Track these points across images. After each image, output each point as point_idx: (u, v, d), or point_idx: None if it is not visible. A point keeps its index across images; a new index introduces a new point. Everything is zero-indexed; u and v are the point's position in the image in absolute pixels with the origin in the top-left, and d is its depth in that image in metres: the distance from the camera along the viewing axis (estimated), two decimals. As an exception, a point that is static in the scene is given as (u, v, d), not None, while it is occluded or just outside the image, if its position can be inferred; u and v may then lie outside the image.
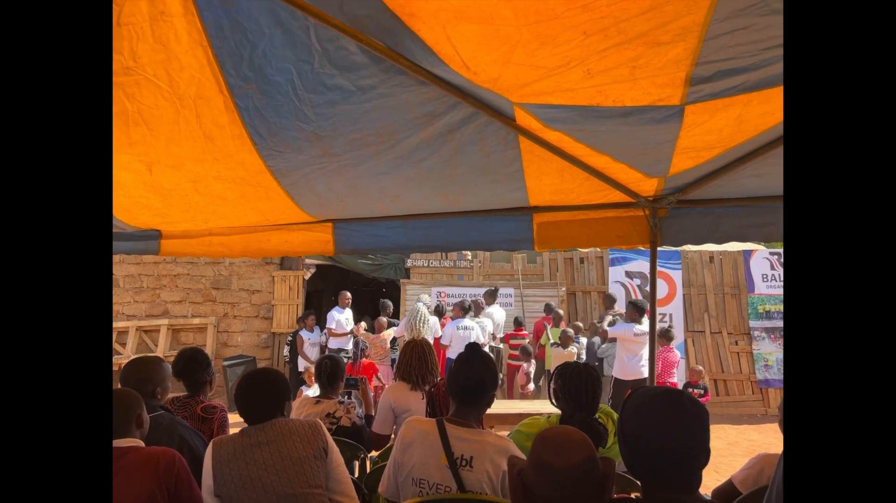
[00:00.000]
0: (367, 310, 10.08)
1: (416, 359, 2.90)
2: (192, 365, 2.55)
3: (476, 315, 7.21)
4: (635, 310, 6.12)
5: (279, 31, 1.61)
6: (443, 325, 7.11)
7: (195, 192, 2.58)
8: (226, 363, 8.19)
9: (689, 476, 1.16)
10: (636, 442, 1.20)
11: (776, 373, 8.38)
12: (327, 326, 7.49)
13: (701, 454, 1.15)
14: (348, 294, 7.84)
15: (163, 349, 8.67)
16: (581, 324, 7.58)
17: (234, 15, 1.57)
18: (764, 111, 1.84)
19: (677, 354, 6.50)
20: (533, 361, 6.98)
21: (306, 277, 9.18)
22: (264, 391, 1.86)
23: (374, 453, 2.84)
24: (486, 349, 6.81)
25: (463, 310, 7.03)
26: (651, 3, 1.31)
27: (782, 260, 8.67)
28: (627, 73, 1.60)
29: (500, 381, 6.54)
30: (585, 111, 1.84)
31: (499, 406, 4.99)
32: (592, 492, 1.15)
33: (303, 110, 1.92)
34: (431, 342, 6.26)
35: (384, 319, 7.37)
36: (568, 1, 1.31)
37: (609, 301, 7.63)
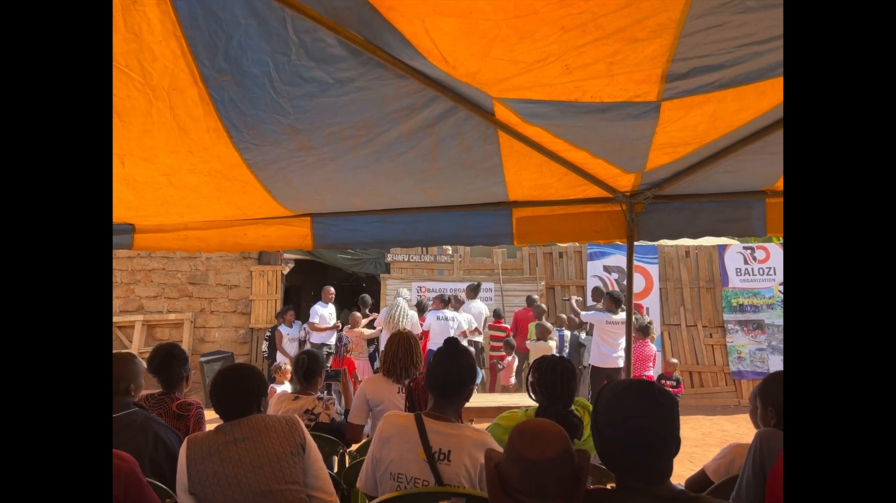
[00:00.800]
0: (347, 306, 10.03)
1: (402, 351, 2.89)
2: (169, 360, 2.50)
3: (455, 309, 7.24)
4: (612, 302, 6.31)
5: (255, 21, 1.58)
6: (422, 321, 7.12)
7: (169, 185, 2.53)
8: (203, 359, 8.07)
9: (662, 465, 1.18)
10: (609, 433, 1.22)
11: (749, 365, 8.58)
12: (310, 321, 7.43)
13: (672, 443, 1.18)
14: (331, 289, 7.79)
15: (137, 345, 8.51)
16: (564, 317, 7.65)
17: (209, 5, 1.54)
18: (738, 108, 1.88)
19: (653, 348, 6.62)
20: (515, 355, 7.04)
21: (285, 272, 9.09)
22: (240, 387, 1.83)
23: (352, 447, 2.83)
24: (466, 342, 6.90)
25: (442, 301, 7.08)
26: (628, 0, 1.32)
27: (756, 254, 8.87)
28: (605, 68, 1.61)
29: (480, 376, 6.60)
30: (564, 106, 1.85)
31: (478, 399, 5.01)
32: (568, 483, 1.17)
33: (280, 103, 1.89)
34: None
35: (358, 314, 7.35)
36: (546, -4, 1.31)
37: (597, 294, 7.76)
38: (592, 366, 6.34)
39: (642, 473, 1.18)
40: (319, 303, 7.61)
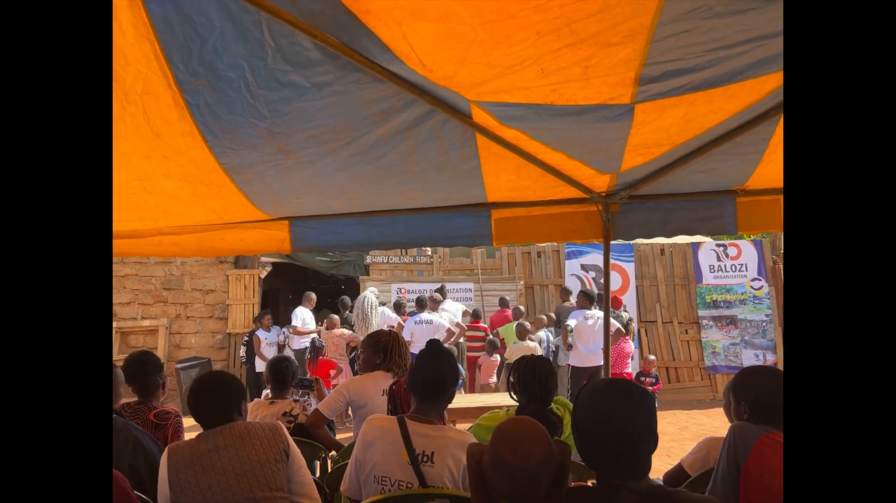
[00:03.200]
0: (325, 308, 9.95)
1: (397, 353, 2.88)
2: (144, 368, 2.46)
3: (433, 310, 7.26)
4: (586, 298, 6.49)
5: (230, 25, 1.57)
6: (404, 320, 7.12)
7: (143, 190, 2.49)
8: (179, 366, 7.92)
9: (641, 462, 1.21)
10: (589, 432, 1.24)
11: (723, 360, 8.78)
12: (293, 324, 7.34)
13: (649, 440, 1.21)
14: (313, 295, 7.76)
15: (111, 354, 8.32)
16: (545, 318, 7.70)
17: (183, 8, 1.52)
18: (709, 110, 1.93)
19: (631, 345, 6.73)
20: (497, 355, 7.07)
21: (262, 276, 8.98)
22: (218, 393, 1.81)
23: (333, 453, 2.81)
24: (453, 342, 6.91)
25: (420, 305, 7.08)
26: (601, 5, 1.35)
27: (728, 251, 9.08)
28: (580, 72, 1.64)
29: (461, 378, 6.62)
30: (540, 109, 1.88)
31: (460, 400, 5.03)
32: (549, 484, 1.19)
33: (256, 107, 1.88)
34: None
35: (336, 317, 7.32)
36: (521, 1, 1.33)
37: (565, 294, 7.83)
38: (572, 366, 6.40)
39: (622, 470, 1.21)
40: (301, 307, 7.55)
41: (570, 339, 6.34)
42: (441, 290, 8.00)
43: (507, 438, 1.18)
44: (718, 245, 9.11)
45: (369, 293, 6.90)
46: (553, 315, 7.67)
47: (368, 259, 9.11)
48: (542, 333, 7.16)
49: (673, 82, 1.70)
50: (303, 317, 7.38)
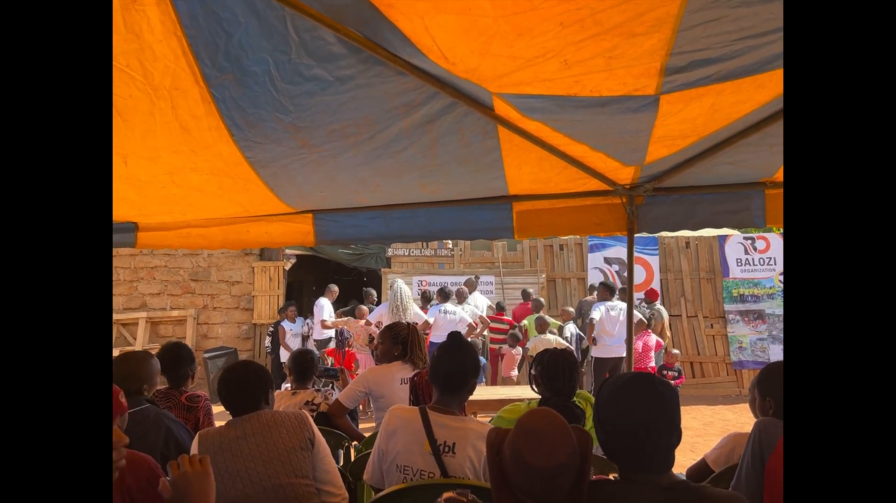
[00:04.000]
0: (349, 300, 10.05)
1: (417, 346, 2.92)
2: (177, 361, 2.54)
3: (460, 302, 7.27)
4: (606, 290, 6.59)
5: (255, 20, 1.59)
6: (425, 312, 7.16)
7: (172, 184, 2.54)
8: (206, 355, 8.11)
9: (664, 456, 1.20)
10: (611, 426, 1.24)
11: (750, 355, 8.62)
12: (321, 318, 7.39)
13: (673, 434, 1.20)
14: (335, 288, 7.85)
15: (141, 342, 8.55)
16: (571, 310, 7.65)
17: (209, 4, 1.54)
18: (736, 100, 1.89)
19: (654, 338, 6.66)
20: (519, 348, 7.06)
21: (286, 268, 9.11)
22: (246, 382, 1.86)
23: (356, 443, 2.86)
24: (477, 335, 6.93)
25: (444, 295, 7.10)
26: (626, -5, 1.33)
27: (756, 244, 8.88)
28: (604, 63, 1.62)
29: (483, 369, 6.64)
30: (563, 101, 1.86)
31: (481, 392, 5.04)
32: (573, 481, 1.18)
33: (280, 101, 1.90)
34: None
35: (364, 307, 7.38)
36: (544, -8, 1.32)
37: (592, 289, 7.82)
38: (595, 357, 6.39)
39: (645, 464, 1.20)
40: (323, 298, 7.65)
41: (594, 333, 6.33)
42: (469, 283, 7.98)
43: (529, 436, 1.16)
44: (746, 238, 8.92)
45: (400, 282, 6.94)
46: (571, 310, 7.60)
47: (390, 252, 9.17)
48: (571, 327, 7.11)
49: (700, 72, 1.67)
50: (329, 310, 7.46)
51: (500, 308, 7.77)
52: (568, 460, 1.16)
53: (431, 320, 6.85)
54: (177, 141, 2.13)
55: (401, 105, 1.97)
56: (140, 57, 1.72)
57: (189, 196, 2.72)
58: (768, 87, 1.81)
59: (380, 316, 6.94)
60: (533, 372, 2.23)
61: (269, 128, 2.06)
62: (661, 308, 7.60)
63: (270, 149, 2.23)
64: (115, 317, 8.70)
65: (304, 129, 2.09)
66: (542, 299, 7.76)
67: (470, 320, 6.95)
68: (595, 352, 6.41)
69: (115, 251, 8.76)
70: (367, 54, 1.68)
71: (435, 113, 2.03)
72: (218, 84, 1.83)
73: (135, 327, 8.75)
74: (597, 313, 6.33)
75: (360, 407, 4.24)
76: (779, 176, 2.71)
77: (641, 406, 1.20)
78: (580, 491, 1.19)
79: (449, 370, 1.85)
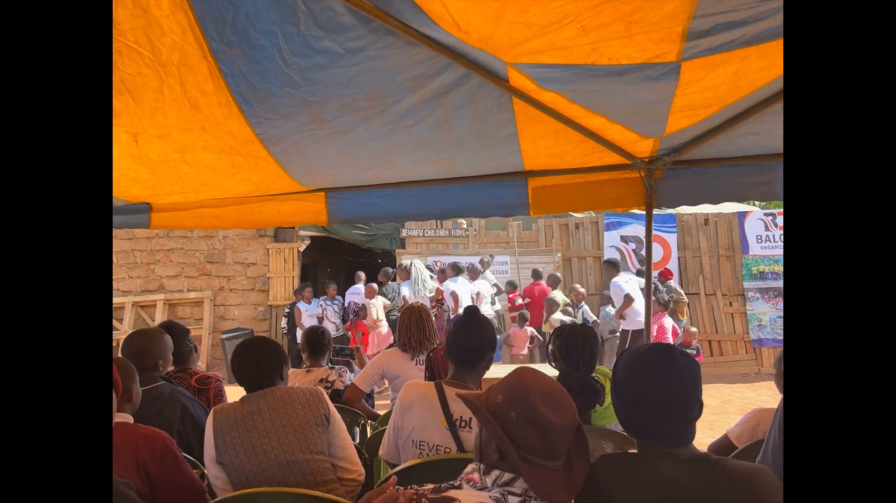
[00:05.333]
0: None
1: (414, 326, 2.91)
2: (172, 335, 2.53)
3: (473, 279, 7.31)
4: (611, 267, 6.88)
5: (262, -9, 1.55)
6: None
7: (184, 162, 2.53)
8: (224, 336, 8.23)
9: (684, 428, 1.17)
10: (630, 398, 1.21)
11: (769, 333, 8.51)
12: (373, 318, 7.34)
13: (694, 405, 1.17)
14: (363, 275, 8.01)
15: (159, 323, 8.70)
16: (581, 289, 7.59)
17: (215, -25, 1.51)
18: (762, 66, 1.81)
19: (670, 322, 6.58)
20: (527, 328, 7.05)
21: (301, 249, 9.16)
22: (260, 357, 1.86)
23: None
24: (491, 309, 7.00)
25: (456, 270, 7.18)
26: (647, -47, 1.26)
27: (777, 220, 8.70)
28: (623, 28, 1.56)
29: (499, 344, 6.68)
30: (580, 70, 1.80)
31: (497, 370, 5.04)
32: (574, 438, 1.19)
33: (290, 75, 1.86)
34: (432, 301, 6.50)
35: (374, 285, 7.43)
36: (561, -49, 1.26)
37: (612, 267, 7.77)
38: (632, 331, 6.45)
39: (664, 437, 1.18)
40: (357, 285, 7.76)
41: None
42: (483, 262, 7.99)
43: (547, 398, 1.15)
44: (767, 214, 8.74)
45: (418, 262, 7.10)
46: (581, 289, 7.49)
47: (404, 232, 9.16)
48: (586, 310, 7.07)
49: (724, 36, 1.59)
50: (378, 306, 7.40)
51: (513, 286, 7.76)
52: (576, 418, 1.18)
53: (457, 291, 6.96)
54: (187, 118, 2.11)
55: (412, 77, 1.92)
56: (148, 33, 1.69)
57: (201, 175, 2.71)
58: (796, 51, 1.73)
59: (400, 299, 7.11)
60: (551, 346, 2.21)
61: (278, 103, 2.03)
62: (677, 287, 7.51)
63: (281, 125, 2.20)
64: (134, 299, 8.84)
65: (315, 104, 2.05)
66: (559, 274, 7.71)
67: (485, 293, 7.08)
68: (625, 324, 6.43)
69: (131, 233, 8.87)
70: (378, 24, 1.63)
71: (448, 85, 1.98)
72: (226, 59, 1.80)
73: (153, 309, 8.88)
74: (627, 287, 6.39)
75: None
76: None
77: (660, 376, 1.17)
78: (583, 442, 1.20)
79: (464, 345, 1.84)
